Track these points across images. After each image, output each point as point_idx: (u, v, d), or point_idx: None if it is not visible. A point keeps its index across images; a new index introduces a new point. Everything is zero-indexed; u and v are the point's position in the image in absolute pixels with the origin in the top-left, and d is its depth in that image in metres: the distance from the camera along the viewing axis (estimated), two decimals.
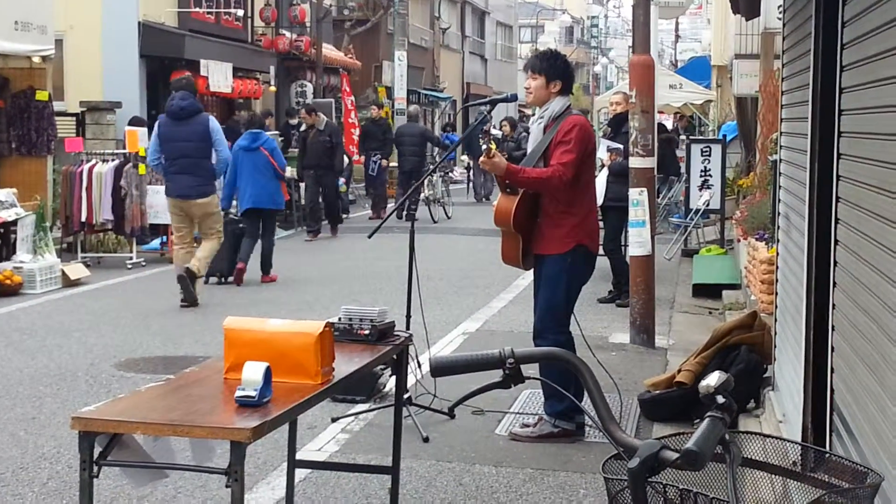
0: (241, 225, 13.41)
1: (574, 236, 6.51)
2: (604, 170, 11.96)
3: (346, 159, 20.61)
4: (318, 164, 18.04)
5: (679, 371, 7.16)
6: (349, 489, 5.70)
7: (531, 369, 2.59)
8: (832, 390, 4.72)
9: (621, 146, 11.64)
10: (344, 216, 20.58)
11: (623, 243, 11.92)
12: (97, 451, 3.53)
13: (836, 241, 4.67)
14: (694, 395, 6.89)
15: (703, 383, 2.15)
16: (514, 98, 7.34)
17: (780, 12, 7.44)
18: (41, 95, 14.76)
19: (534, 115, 7.32)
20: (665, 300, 11.41)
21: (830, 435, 4.70)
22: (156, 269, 14.28)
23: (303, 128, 18.72)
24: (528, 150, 6.77)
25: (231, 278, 13.00)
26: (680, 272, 14.04)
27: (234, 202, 13.68)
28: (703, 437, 2.05)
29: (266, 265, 13.31)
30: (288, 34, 26.98)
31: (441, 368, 2.48)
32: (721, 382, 2.13)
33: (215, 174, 11.72)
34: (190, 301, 11.21)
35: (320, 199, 18.54)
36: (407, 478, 5.76)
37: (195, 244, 11.75)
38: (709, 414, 2.12)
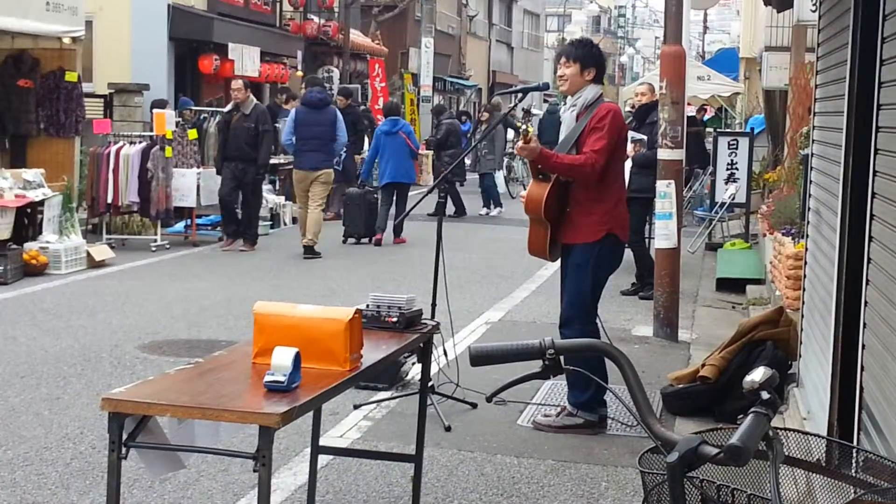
0: (375, 196, 16.02)
1: (605, 224, 6.48)
2: (627, 161, 11.88)
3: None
4: (240, 156, 14.47)
5: (703, 365, 7.12)
6: (371, 476, 5.69)
7: None
8: (861, 388, 4.67)
9: (645, 137, 11.58)
10: None
11: (646, 235, 11.88)
12: (126, 432, 3.52)
13: (871, 238, 4.63)
14: (718, 390, 6.88)
15: (748, 378, 2.12)
16: (545, 87, 7.33)
17: (813, 4, 7.38)
18: (70, 77, 14.77)
19: (564, 102, 7.27)
20: (688, 294, 11.35)
21: (859, 433, 4.66)
22: (180, 251, 14.31)
23: (226, 109, 15.25)
24: (561, 138, 6.73)
25: (364, 239, 15.69)
26: (704, 266, 13.98)
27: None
28: (747, 433, 2.02)
29: (398, 230, 15.67)
30: (316, 19, 26.98)
31: (480, 358, 2.46)
32: (766, 378, 2.10)
33: (337, 153, 15.13)
34: (314, 256, 14.10)
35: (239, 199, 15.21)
36: (428, 466, 5.75)
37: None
38: (753, 409, 2.08)
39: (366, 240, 15.76)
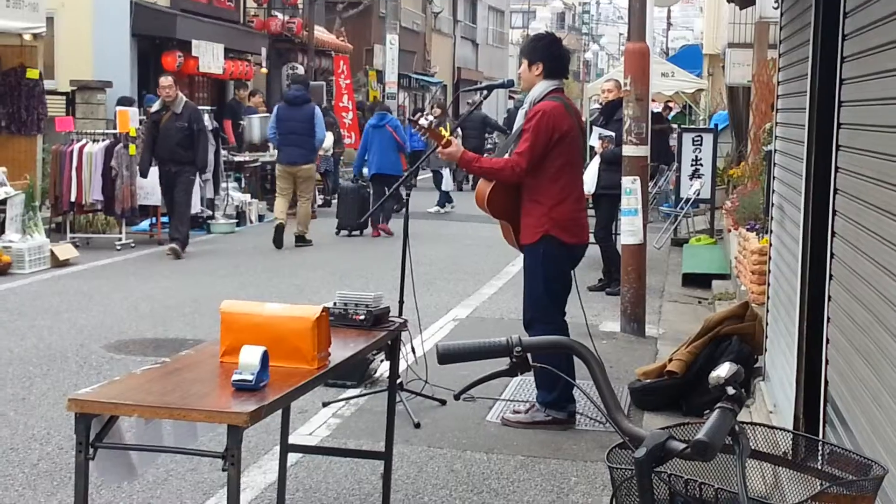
0: (367, 188, 16.82)
1: (542, 226, 6.40)
2: (595, 158, 11.93)
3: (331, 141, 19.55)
4: (172, 158, 13.76)
5: (670, 360, 7.16)
6: (341, 474, 5.69)
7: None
8: (826, 381, 4.72)
9: (613, 134, 11.62)
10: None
11: (614, 232, 11.93)
12: (93, 433, 3.51)
13: (833, 233, 4.67)
14: (685, 384, 6.92)
15: (714, 374, 2.14)
16: (510, 84, 7.31)
17: (775, 1, 7.43)
18: (32, 74, 14.66)
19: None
20: (655, 289, 11.41)
21: (824, 426, 4.70)
22: (145, 250, 14.24)
23: (154, 108, 14.27)
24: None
25: (356, 231, 16.48)
26: (669, 261, 14.05)
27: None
28: (713, 428, 2.04)
29: (386, 218, 16.77)
30: (280, 16, 26.89)
31: (448, 356, 2.47)
32: (732, 374, 2.12)
33: (316, 148, 15.48)
34: (306, 244, 15.04)
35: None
36: (398, 463, 5.75)
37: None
38: (719, 405, 2.10)
39: (357, 232, 16.51)
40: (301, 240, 15.09)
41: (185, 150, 13.73)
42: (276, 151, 18.28)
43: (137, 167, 14.28)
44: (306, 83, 16.57)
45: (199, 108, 15.18)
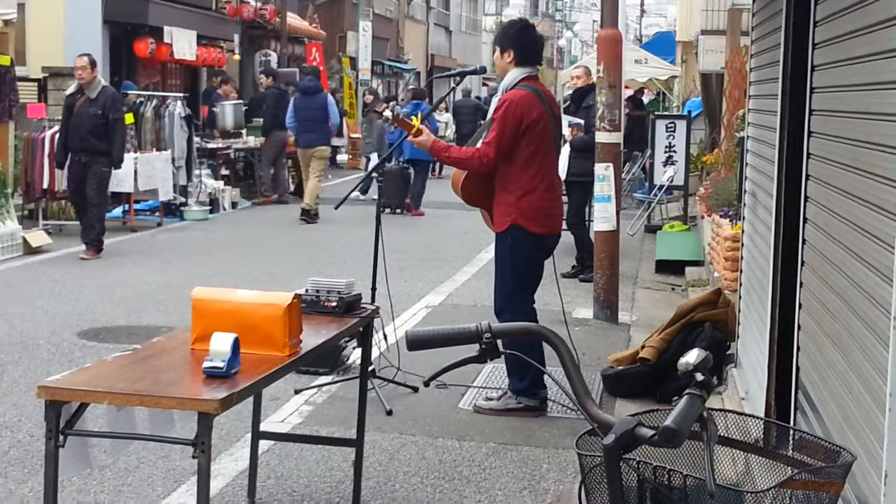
0: (408, 169, 17.83)
1: (509, 215, 6.40)
2: (565, 146, 11.93)
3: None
4: (84, 148, 12.43)
5: (643, 347, 7.17)
6: (312, 461, 5.69)
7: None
8: (798, 368, 4.74)
9: (582, 121, 11.63)
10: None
11: (587, 218, 11.94)
12: (63, 420, 3.49)
13: (805, 220, 4.68)
14: (657, 371, 6.94)
15: (682, 360, 2.14)
16: (482, 70, 7.28)
17: None
18: (3, 60, 14.52)
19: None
20: (628, 276, 11.44)
21: (795, 413, 4.73)
22: (118, 237, 14.15)
23: (69, 90, 12.96)
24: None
25: (398, 210, 17.71)
26: (643, 248, 14.08)
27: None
28: (681, 415, 2.05)
29: (417, 201, 17.91)
30: (252, 2, 26.73)
31: (417, 342, 2.47)
32: (701, 360, 2.12)
33: (331, 133, 17.39)
34: (312, 220, 16.22)
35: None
36: (370, 450, 5.75)
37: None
38: (687, 391, 2.11)
39: (399, 210, 17.73)
40: (306, 214, 16.07)
41: (98, 139, 12.38)
42: (249, 138, 19.37)
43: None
44: (317, 73, 18.30)
45: (172, 95, 15.09)
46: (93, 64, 12.54)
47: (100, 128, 12.38)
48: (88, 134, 12.34)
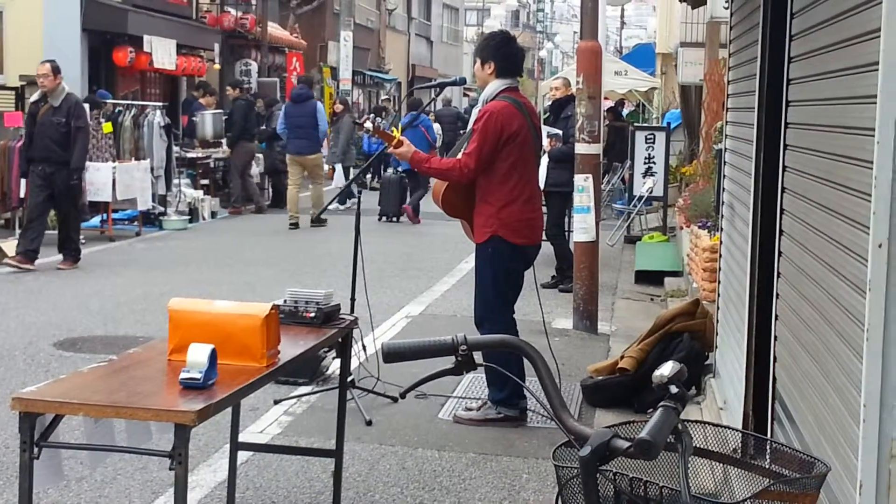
0: (406, 179, 18.27)
1: (489, 227, 6.40)
2: (544, 156, 11.95)
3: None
4: (48, 158, 12.01)
5: (622, 357, 7.19)
6: (291, 472, 5.68)
7: (477, 355, 2.58)
8: (774, 379, 4.76)
9: (560, 132, 11.66)
10: None
11: (566, 229, 11.96)
12: (38, 432, 3.48)
13: (781, 232, 4.71)
14: (636, 381, 6.95)
15: (657, 373, 2.15)
16: (462, 81, 7.31)
17: (726, 1, 7.48)
18: None
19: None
20: (607, 286, 11.46)
21: (772, 423, 4.75)
22: (96, 247, 14.10)
23: (33, 98, 12.50)
24: None
25: (395, 218, 18.12)
26: (622, 259, 14.12)
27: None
28: (656, 427, 2.05)
29: (416, 209, 18.11)
30: (233, 12, 26.74)
31: (393, 354, 2.47)
32: (675, 372, 2.13)
33: (321, 140, 17.66)
34: (321, 224, 16.82)
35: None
36: (350, 461, 5.75)
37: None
38: (662, 403, 2.12)
39: (395, 219, 18.13)
40: (317, 220, 16.66)
41: (62, 148, 11.95)
42: (227, 149, 19.29)
43: (88, 163, 14.08)
44: (310, 82, 19.11)
45: (151, 104, 15.05)
46: (55, 71, 12.01)
47: (63, 137, 11.98)
48: (52, 143, 11.95)
